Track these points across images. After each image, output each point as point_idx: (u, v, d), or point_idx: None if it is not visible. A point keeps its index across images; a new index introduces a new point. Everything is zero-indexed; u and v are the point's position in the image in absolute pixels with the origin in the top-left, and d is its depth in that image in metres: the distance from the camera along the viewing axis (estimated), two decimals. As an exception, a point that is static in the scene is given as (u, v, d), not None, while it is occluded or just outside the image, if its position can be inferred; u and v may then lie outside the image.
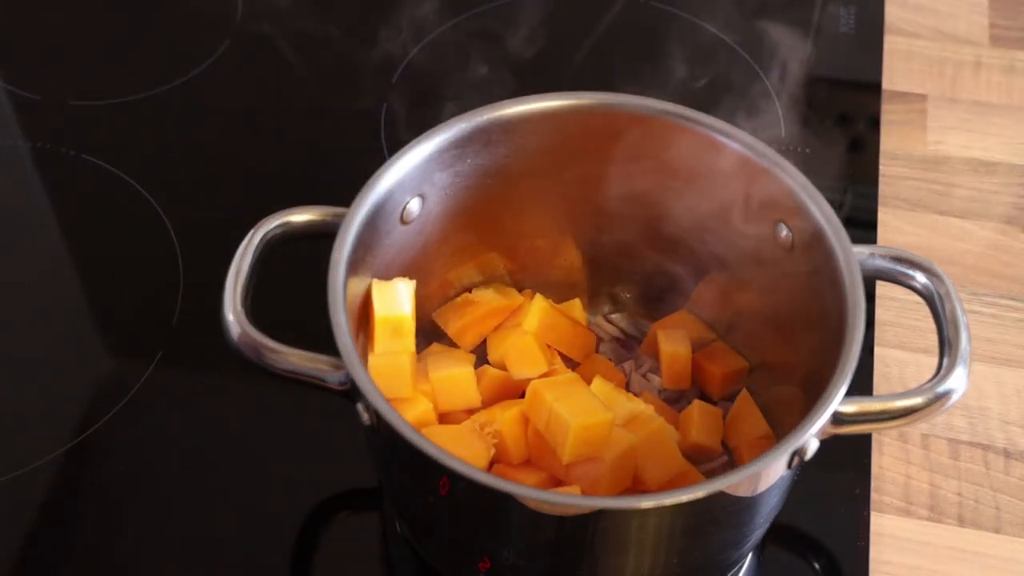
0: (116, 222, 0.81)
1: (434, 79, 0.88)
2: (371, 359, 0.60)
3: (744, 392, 0.65)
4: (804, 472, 0.67)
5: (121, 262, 0.79)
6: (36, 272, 0.80)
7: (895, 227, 0.81)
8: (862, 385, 0.71)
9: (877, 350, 0.74)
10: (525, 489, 0.50)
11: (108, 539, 0.65)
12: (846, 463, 0.68)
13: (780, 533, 0.66)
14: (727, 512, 0.54)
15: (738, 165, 0.61)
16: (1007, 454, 0.69)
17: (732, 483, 0.50)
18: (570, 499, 0.52)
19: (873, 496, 0.67)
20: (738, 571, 0.64)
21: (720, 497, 0.50)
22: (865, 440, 0.69)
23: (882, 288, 0.76)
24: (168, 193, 0.82)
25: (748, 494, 0.53)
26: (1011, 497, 0.67)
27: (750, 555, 0.65)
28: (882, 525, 0.66)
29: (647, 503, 0.49)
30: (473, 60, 0.89)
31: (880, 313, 0.75)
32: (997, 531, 0.66)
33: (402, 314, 0.60)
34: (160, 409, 0.71)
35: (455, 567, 0.61)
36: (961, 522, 0.66)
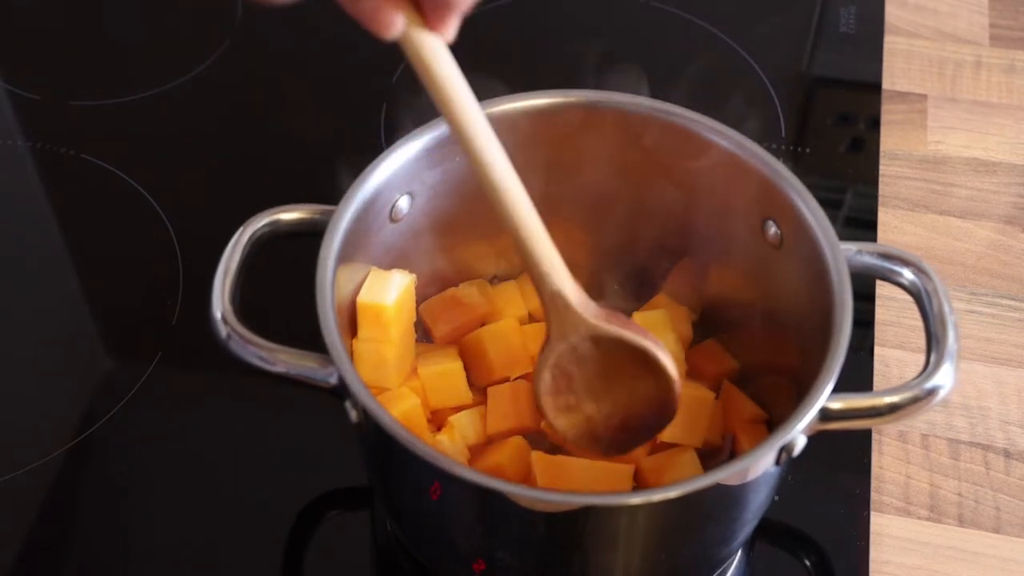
0: (116, 222, 0.81)
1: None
2: (355, 344, 0.60)
3: (725, 383, 0.65)
4: (804, 471, 0.67)
5: (121, 262, 0.79)
6: (36, 272, 0.80)
7: (895, 227, 0.81)
8: (862, 385, 0.71)
9: (877, 350, 0.74)
10: (515, 487, 0.50)
11: (108, 539, 0.65)
12: (846, 463, 0.68)
13: (780, 533, 0.66)
14: (715, 508, 0.54)
15: (727, 162, 0.61)
16: (1007, 454, 0.69)
17: (719, 479, 0.50)
18: (559, 496, 0.52)
19: (873, 496, 0.67)
20: (727, 569, 0.64)
21: (707, 493, 0.50)
22: (865, 440, 0.69)
23: (882, 288, 0.76)
24: (168, 193, 0.82)
25: (736, 489, 0.53)
26: (1011, 497, 0.67)
27: (745, 553, 0.65)
28: (882, 525, 0.66)
29: (636, 499, 0.49)
30: (473, 60, 0.89)
31: (880, 313, 0.75)
32: (997, 531, 0.66)
33: (382, 303, 0.60)
34: (160, 409, 0.71)
35: (449, 569, 0.62)
36: (961, 522, 0.66)
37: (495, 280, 0.71)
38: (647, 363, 0.54)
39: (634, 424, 0.56)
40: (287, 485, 0.67)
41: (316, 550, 0.65)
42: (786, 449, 0.52)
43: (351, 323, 0.60)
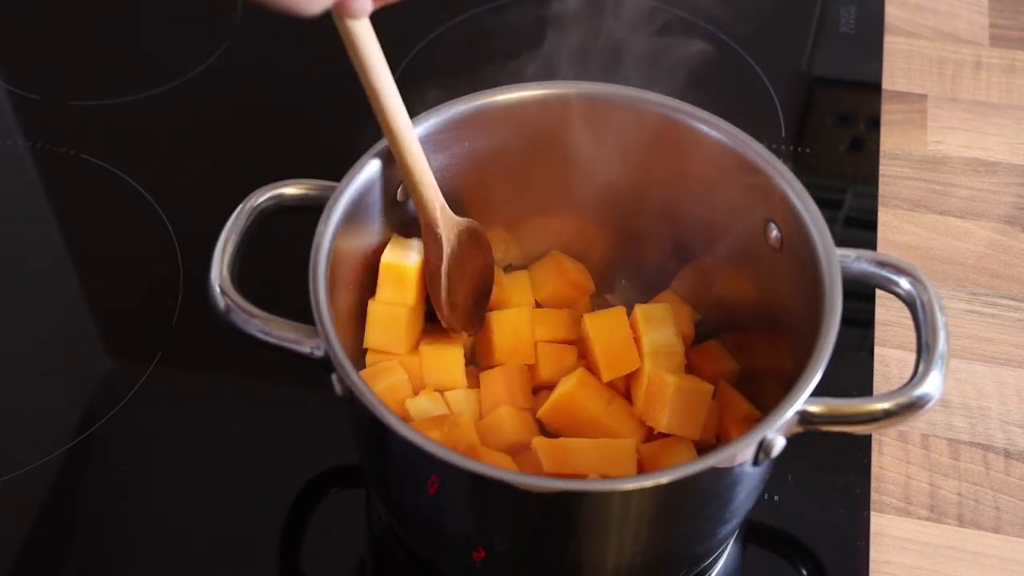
0: (116, 222, 0.81)
1: (435, 78, 0.88)
2: (370, 305, 0.62)
3: (722, 382, 0.65)
4: (804, 471, 0.67)
5: (121, 262, 0.79)
6: (36, 272, 0.80)
7: (895, 227, 0.81)
8: (862, 385, 0.72)
9: (877, 350, 0.74)
10: (504, 473, 0.50)
11: (108, 539, 0.65)
12: (846, 463, 0.68)
13: (779, 532, 0.66)
14: (688, 503, 0.54)
15: (729, 161, 0.61)
16: (1007, 454, 0.69)
17: (694, 471, 0.50)
18: (551, 483, 0.53)
19: (873, 496, 0.67)
20: (715, 565, 0.64)
21: (684, 484, 0.50)
22: (865, 440, 0.69)
23: (882, 288, 0.76)
24: (168, 193, 0.82)
25: (712, 485, 0.53)
26: (1011, 497, 0.67)
27: (743, 551, 0.65)
28: (882, 525, 0.66)
29: (596, 487, 0.51)
30: (474, 59, 0.89)
31: (880, 313, 0.75)
32: (997, 531, 0.66)
33: (406, 263, 0.62)
34: (160, 409, 0.71)
35: (448, 562, 0.62)
36: (961, 522, 0.66)
37: (508, 268, 0.71)
38: (478, 240, 0.65)
39: (478, 297, 0.67)
40: (287, 485, 0.67)
41: (316, 550, 0.65)
42: (763, 449, 0.52)
43: (356, 288, 0.62)
